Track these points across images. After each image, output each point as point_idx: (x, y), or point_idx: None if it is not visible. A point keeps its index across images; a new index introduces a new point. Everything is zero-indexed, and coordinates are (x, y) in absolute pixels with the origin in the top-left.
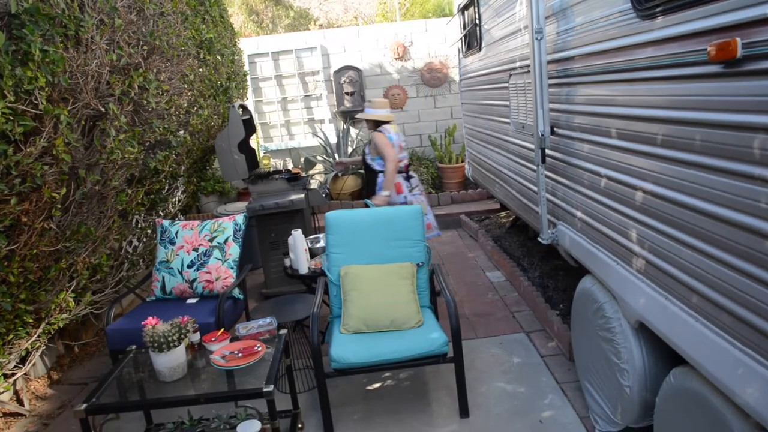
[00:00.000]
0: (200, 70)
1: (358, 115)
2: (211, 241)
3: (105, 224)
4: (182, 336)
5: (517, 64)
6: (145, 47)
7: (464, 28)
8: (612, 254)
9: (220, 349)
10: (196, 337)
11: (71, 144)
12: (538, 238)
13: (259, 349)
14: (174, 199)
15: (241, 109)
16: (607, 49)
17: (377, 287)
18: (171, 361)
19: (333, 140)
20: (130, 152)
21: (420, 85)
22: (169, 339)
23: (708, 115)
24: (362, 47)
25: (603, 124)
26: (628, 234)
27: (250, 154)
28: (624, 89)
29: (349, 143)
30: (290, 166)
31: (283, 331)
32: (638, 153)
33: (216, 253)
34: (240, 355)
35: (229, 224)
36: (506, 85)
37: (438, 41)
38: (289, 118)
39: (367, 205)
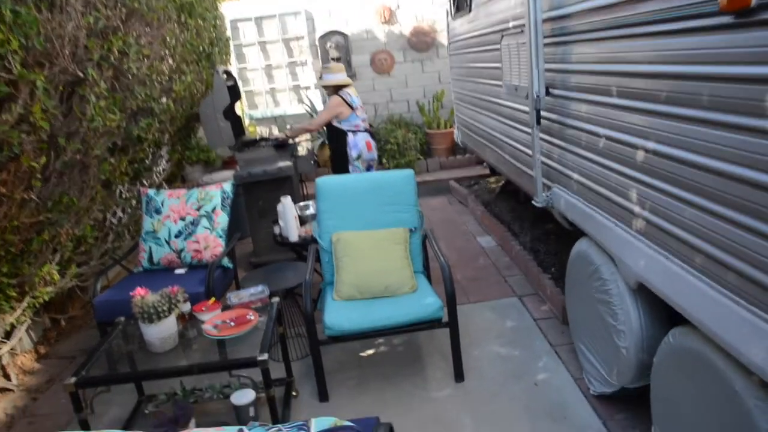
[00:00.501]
0: (182, 35)
1: (318, 83)
2: (198, 210)
3: (88, 194)
4: (172, 306)
5: (510, 24)
6: (123, 9)
7: None
8: (610, 216)
9: (211, 319)
10: (186, 306)
11: (49, 111)
12: (532, 201)
13: (252, 317)
14: (158, 169)
15: (225, 75)
16: (607, 4)
17: (370, 253)
18: (162, 331)
19: (319, 107)
20: (111, 119)
21: (407, 50)
22: (159, 309)
23: (718, 69)
24: (348, 11)
25: (602, 82)
26: (628, 195)
27: (235, 121)
28: (626, 45)
29: None
30: (276, 133)
31: (276, 299)
32: (640, 111)
33: (204, 221)
34: (232, 324)
35: (216, 192)
36: (498, 46)
37: (426, 4)
38: (274, 85)
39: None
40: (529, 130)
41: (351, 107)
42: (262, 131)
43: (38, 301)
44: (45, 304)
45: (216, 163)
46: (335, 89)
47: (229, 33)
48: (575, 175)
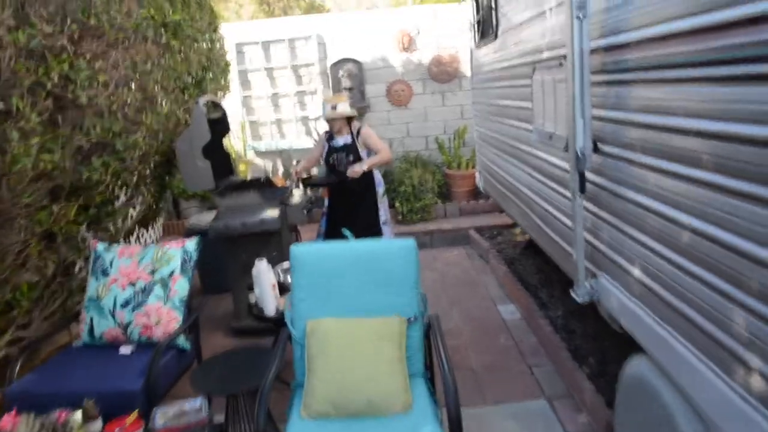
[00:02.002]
0: (161, 58)
1: (331, 113)
2: (152, 273)
3: (12, 250)
4: None
5: (544, 55)
6: (74, 26)
7: (478, 12)
8: (703, 355)
9: None
10: (96, 426)
11: None
12: (571, 293)
13: None
14: (129, 212)
15: (208, 107)
16: (694, 29)
17: (352, 352)
18: None
19: None
20: (47, 160)
21: (427, 80)
22: None
23: None
24: (363, 37)
25: (682, 144)
26: (733, 329)
27: (222, 160)
28: (723, 93)
29: None
30: (280, 169)
31: (219, 419)
32: (751, 198)
33: (157, 289)
34: None
35: (176, 252)
36: (528, 82)
37: (448, 31)
38: (281, 115)
39: (345, 237)
40: (567, 193)
41: None
42: (266, 165)
43: None
44: None
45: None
46: (347, 121)
47: (233, 57)
48: (636, 271)
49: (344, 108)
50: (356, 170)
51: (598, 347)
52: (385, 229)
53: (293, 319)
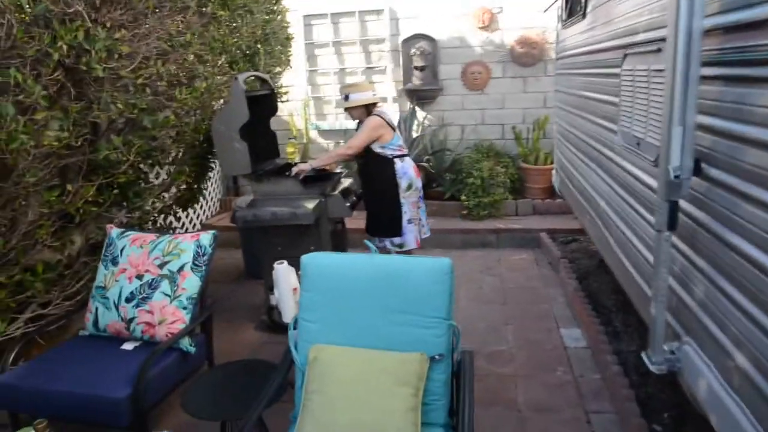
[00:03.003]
0: (205, 29)
1: (348, 104)
2: (161, 267)
3: (19, 231)
4: None
5: (639, 37)
6: None
7: None
8: None
9: None
10: None
11: None
12: (643, 356)
13: None
14: (162, 193)
15: (247, 84)
16: None
17: (356, 393)
18: None
19: (395, 122)
20: (51, 138)
21: (508, 63)
22: None
23: None
24: (439, 12)
25: None
26: None
27: (267, 141)
28: None
29: (415, 128)
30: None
31: None
32: None
33: (164, 285)
34: None
35: (189, 245)
36: (616, 71)
37: (536, 8)
38: None
39: (368, 248)
40: (650, 224)
41: (392, 128)
42: (328, 144)
43: None
44: None
45: None
46: (367, 109)
47: (298, 30)
48: (739, 355)
49: (358, 98)
50: (300, 168)
51: (677, 401)
52: (409, 228)
53: (297, 343)
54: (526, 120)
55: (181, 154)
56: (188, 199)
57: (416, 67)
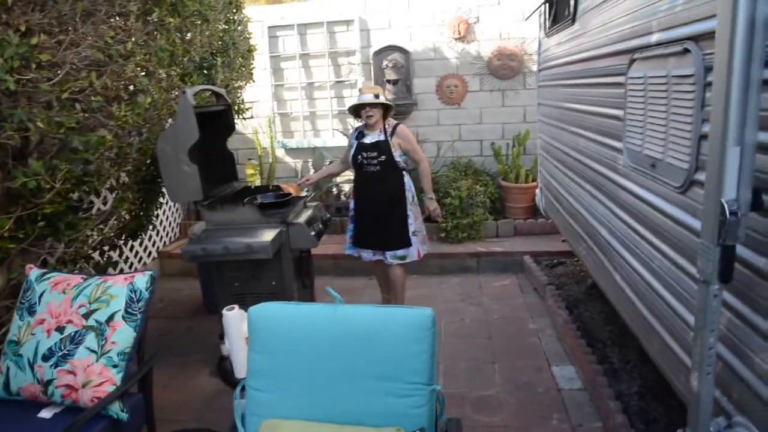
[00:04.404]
0: (148, 37)
1: (378, 101)
2: (86, 317)
3: None
4: None
5: (654, 38)
6: None
7: None
8: None
9: None
10: None
11: None
12: None
13: None
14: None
15: (213, 98)
16: None
17: None
18: None
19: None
20: None
21: (485, 76)
22: None
23: None
24: (412, 23)
25: None
26: None
27: (222, 163)
28: None
29: None
30: (311, 171)
31: None
32: None
33: (89, 339)
34: None
35: (120, 290)
36: (621, 79)
37: (514, 18)
38: (315, 109)
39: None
40: (684, 263)
41: None
42: (296, 165)
43: None
44: None
45: None
46: (386, 113)
47: (261, 42)
48: None
49: (382, 99)
50: (437, 211)
51: None
52: (413, 240)
53: (245, 415)
54: (505, 135)
55: (124, 178)
56: (134, 228)
57: (388, 81)
